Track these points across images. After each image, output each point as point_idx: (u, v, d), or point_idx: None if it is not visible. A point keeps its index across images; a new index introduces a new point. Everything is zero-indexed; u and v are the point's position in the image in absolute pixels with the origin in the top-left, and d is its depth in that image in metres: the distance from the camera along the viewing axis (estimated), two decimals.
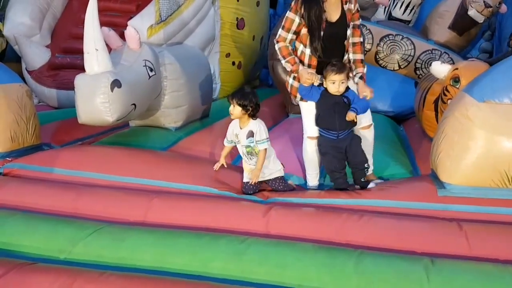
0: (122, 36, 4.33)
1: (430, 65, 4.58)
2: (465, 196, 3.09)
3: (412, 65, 5.85)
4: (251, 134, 3.36)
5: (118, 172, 3.58)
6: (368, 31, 5.84)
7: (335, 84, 3.31)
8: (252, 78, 7.23)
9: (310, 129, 3.54)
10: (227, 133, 3.51)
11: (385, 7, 6.64)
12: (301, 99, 3.52)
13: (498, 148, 3.01)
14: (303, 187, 3.68)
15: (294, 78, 3.53)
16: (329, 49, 3.40)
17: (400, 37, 5.85)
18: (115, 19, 5.89)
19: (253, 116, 3.36)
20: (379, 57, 5.87)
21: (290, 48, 3.47)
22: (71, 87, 3.91)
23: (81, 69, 3.89)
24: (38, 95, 5.96)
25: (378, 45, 5.85)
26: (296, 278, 2.51)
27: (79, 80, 3.79)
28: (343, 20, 3.41)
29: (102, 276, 2.54)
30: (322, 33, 3.35)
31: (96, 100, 3.71)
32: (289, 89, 3.60)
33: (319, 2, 3.33)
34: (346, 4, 3.42)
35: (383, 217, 3.01)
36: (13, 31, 5.88)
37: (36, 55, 5.95)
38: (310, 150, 3.58)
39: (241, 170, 3.57)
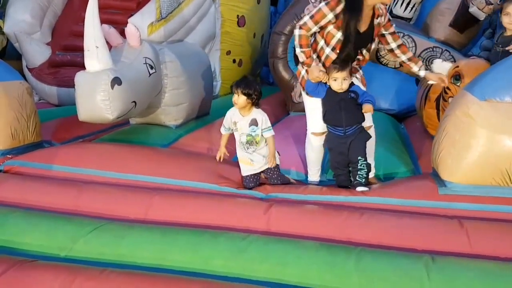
0: (122, 33, 4.32)
1: (431, 62, 4.57)
2: (466, 194, 3.08)
3: None
4: (253, 123, 3.34)
5: (119, 169, 3.58)
6: None
7: (337, 81, 3.31)
8: (252, 76, 7.22)
9: (314, 125, 3.52)
10: (224, 120, 3.48)
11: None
12: (307, 94, 3.50)
13: (499, 146, 3.01)
14: (303, 182, 3.67)
15: (307, 71, 3.47)
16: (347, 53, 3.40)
17: (401, 34, 5.82)
18: (116, 16, 5.89)
19: (256, 104, 3.35)
20: (380, 55, 5.86)
21: (310, 40, 3.39)
22: (72, 85, 3.91)
23: (82, 66, 3.89)
24: (39, 93, 5.96)
25: (379, 42, 5.82)
26: (297, 276, 2.51)
27: (80, 78, 3.79)
28: (370, 32, 3.40)
29: (103, 273, 2.54)
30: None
31: (97, 98, 3.71)
32: (299, 80, 3.56)
33: (361, 13, 3.28)
34: (377, 18, 3.38)
35: (384, 214, 3.01)
36: (13, 29, 5.88)
37: (37, 52, 5.95)
38: (313, 146, 3.57)
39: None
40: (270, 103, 5.66)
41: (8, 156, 3.78)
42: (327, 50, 3.38)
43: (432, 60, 4.68)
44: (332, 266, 2.52)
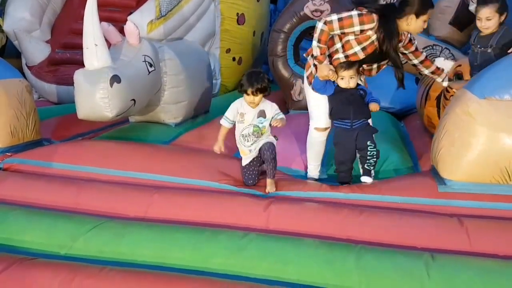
0: (121, 31, 4.32)
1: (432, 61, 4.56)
2: (466, 192, 3.08)
3: None
4: (262, 114, 3.29)
5: (118, 167, 3.57)
6: None
7: (344, 79, 3.35)
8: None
9: (318, 120, 3.52)
10: (227, 112, 3.37)
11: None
12: (313, 90, 3.49)
13: (499, 144, 3.01)
14: (303, 179, 3.67)
15: (316, 67, 3.46)
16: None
17: None
18: (115, 14, 5.88)
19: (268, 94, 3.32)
20: None
21: (329, 38, 3.33)
22: (71, 83, 3.91)
23: (81, 64, 3.88)
24: (38, 91, 5.96)
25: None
26: (296, 274, 2.51)
27: (79, 76, 3.79)
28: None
29: (102, 271, 2.54)
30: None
31: (96, 96, 3.71)
32: (307, 73, 3.55)
33: (397, 39, 3.32)
34: (400, 42, 3.40)
35: (384, 212, 3.01)
36: (13, 27, 5.87)
37: (36, 50, 5.94)
38: (315, 141, 3.57)
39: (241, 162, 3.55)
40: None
41: (7, 154, 3.78)
42: (341, 55, 3.38)
43: (432, 58, 4.67)
44: (332, 264, 2.53)
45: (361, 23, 3.25)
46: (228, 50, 6.34)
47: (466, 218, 2.91)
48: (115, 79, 3.74)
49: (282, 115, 3.35)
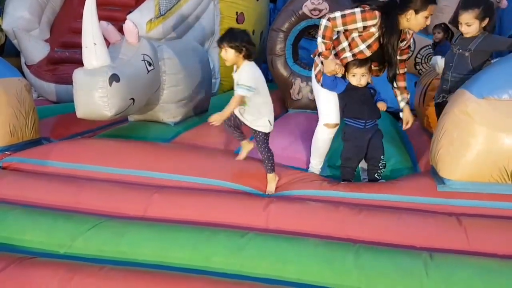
0: (121, 30, 4.32)
1: (430, 60, 4.58)
2: (465, 191, 3.09)
3: (412, 60, 5.84)
4: (238, 81, 3.18)
5: (117, 164, 3.58)
6: None
7: (356, 76, 3.36)
8: None
9: (328, 116, 3.52)
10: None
11: None
12: (322, 87, 3.49)
13: (498, 144, 3.02)
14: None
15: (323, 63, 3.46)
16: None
17: None
18: (114, 13, 5.89)
19: (248, 56, 3.14)
20: None
21: (334, 34, 3.36)
22: (70, 82, 3.91)
23: (80, 63, 3.88)
24: (37, 90, 5.96)
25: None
26: (296, 273, 2.52)
27: (78, 75, 3.78)
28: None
29: (102, 270, 2.54)
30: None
31: (95, 95, 3.71)
32: (315, 72, 3.55)
33: (399, 35, 3.32)
34: (402, 42, 3.40)
35: (383, 211, 3.02)
36: (12, 25, 5.87)
37: (35, 49, 5.94)
38: (322, 138, 3.58)
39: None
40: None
41: (6, 152, 3.78)
42: (348, 54, 3.39)
43: (431, 57, 4.68)
44: (331, 263, 2.53)
45: (364, 19, 3.26)
46: None
47: (465, 217, 2.92)
48: (114, 78, 3.74)
49: (240, 90, 3.05)
